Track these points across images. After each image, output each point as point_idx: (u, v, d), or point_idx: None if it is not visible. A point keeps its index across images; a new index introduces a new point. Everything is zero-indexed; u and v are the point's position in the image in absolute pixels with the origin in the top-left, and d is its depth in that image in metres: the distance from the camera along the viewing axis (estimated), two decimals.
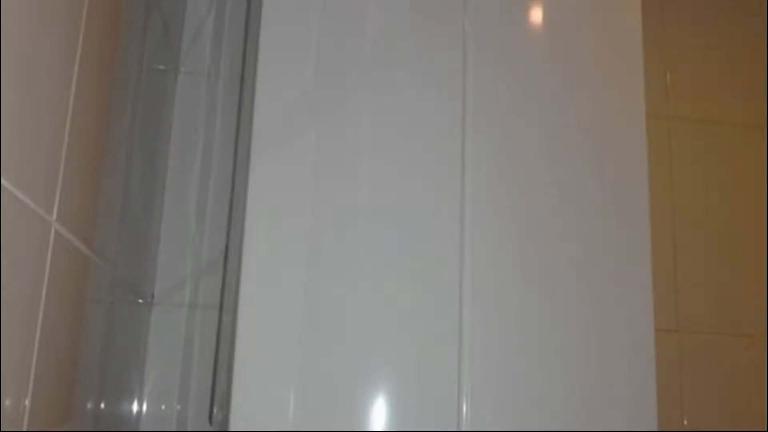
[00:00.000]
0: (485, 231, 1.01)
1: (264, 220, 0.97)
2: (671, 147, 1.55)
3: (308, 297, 0.95)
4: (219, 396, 1.14)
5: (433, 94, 1.04)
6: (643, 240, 1.05)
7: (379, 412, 0.94)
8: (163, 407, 1.26)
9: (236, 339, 0.94)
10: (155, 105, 1.19)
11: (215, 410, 1.20)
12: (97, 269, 0.81)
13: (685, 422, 1.43)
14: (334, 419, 0.93)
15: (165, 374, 1.27)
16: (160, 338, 1.28)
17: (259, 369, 0.94)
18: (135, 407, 1.22)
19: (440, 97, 1.04)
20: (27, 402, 0.58)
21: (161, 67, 1.24)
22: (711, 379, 1.46)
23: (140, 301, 1.20)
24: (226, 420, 0.94)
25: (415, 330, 0.97)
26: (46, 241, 0.61)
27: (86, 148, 0.72)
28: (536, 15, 1.11)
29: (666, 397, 1.08)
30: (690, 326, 1.48)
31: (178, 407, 1.27)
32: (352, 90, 1.03)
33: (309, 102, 1.02)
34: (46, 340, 0.61)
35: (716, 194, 1.56)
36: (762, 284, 1.51)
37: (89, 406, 0.84)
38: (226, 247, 1.30)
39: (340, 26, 1.05)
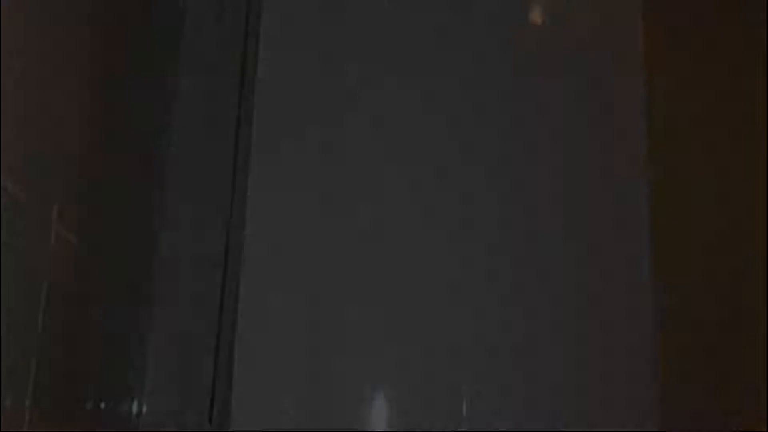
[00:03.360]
0: (485, 230, 1.01)
1: (264, 220, 0.97)
2: (671, 146, 1.55)
3: (308, 297, 0.95)
4: (219, 396, 1.14)
5: (434, 93, 1.04)
6: (643, 240, 1.04)
7: (379, 412, 0.94)
8: (163, 407, 1.26)
9: (236, 339, 0.94)
10: (155, 105, 1.19)
11: (215, 410, 1.20)
12: (96, 268, 0.81)
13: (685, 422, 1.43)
14: (334, 419, 0.93)
15: (165, 374, 1.27)
16: (160, 338, 1.28)
17: (259, 369, 0.94)
18: (135, 407, 1.22)
19: (440, 96, 1.04)
20: (27, 402, 0.58)
21: (161, 66, 1.24)
22: (711, 378, 1.46)
23: (140, 301, 1.20)
24: (226, 420, 0.94)
25: (415, 330, 0.97)
26: (46, 241, 0.61)
27: (86, 148, 0.72)
28: (536, 14, 1.11)
29: (666, 397, 1.08)
30: (690, 326, 1.48)
31: (178, 407, 1.27)
32: (352, 90, 1.03)
33: (309, 102, 1.02)
34: (46, 340, 0.61)
35: (716, 194, 1.55)
36: (762, 284, 1.51)
37: (89, 406, 0.84)
38: (226, 247, 1.30)
39: (341, 26, 1.05)
